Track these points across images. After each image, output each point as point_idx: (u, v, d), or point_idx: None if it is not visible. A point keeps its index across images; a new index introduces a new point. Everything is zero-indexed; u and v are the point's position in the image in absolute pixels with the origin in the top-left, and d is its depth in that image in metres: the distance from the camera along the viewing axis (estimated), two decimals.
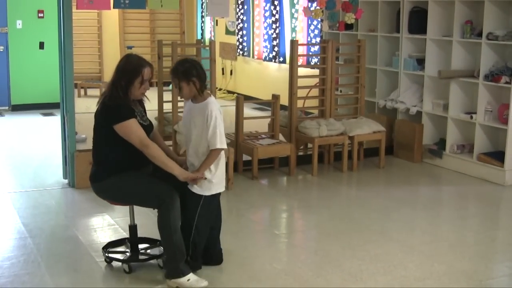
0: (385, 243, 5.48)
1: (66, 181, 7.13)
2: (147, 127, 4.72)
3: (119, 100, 4.53)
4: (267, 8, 12.40)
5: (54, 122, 10.04)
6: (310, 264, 5.01)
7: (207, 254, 4.85)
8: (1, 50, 11.76)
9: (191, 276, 4.51)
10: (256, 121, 8.42)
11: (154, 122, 7.39)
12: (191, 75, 4.57)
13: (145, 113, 4.84)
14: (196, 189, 4.62)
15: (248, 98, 10.36)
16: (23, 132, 10.11)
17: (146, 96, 4.81)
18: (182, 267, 4.51)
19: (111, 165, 4.64)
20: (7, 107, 11.95)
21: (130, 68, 4.59)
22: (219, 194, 4.78)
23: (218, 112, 4.60)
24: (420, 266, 4.98)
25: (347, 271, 4.85)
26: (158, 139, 4.95)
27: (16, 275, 4.73)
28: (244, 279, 4.70)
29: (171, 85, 7.26)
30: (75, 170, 6.82)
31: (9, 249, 5.27)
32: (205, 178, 4.59)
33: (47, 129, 10.14)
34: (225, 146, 4.61)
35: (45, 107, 11.68)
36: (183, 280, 4.49)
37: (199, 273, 4.67)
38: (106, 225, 5.85)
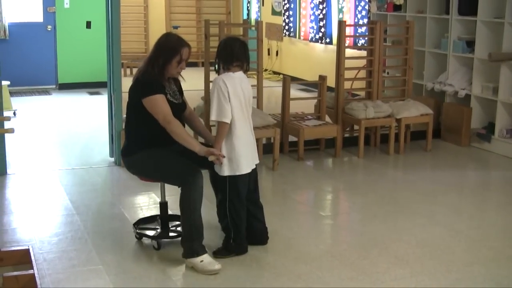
0: (432, 227, 5.41)
1: (112, 159, 7.18)
2: (179, 106, 4.77)
3: (151, 76, 4.61)
4: None
5: (100, 101, 10.14)
6: (356, 246, 4.98)
7: (252, 233, 4.83)
8: (49, 29, 11.88)
9: (205, 257, 4.49)
10: (302, 102, 8.38)
11: (201, 102, 7.43)
12: (217, 54, 4.66)
13: (181, 92, 4.88)
14: (217, 169, 4.63)
15: (293, 79, 10.30)
16: (70, 111, 10.22)
17: (181, 76, 4.87)
18: (196, 247, 4.51)
19: (140, 140, 4.70)
20: (54, 86, 12.10)
21: (170, 46, 4.65)
22: (246, 175, 4.70)
23: (222, 85, 4.52)
24: (467, 251, 4.92)
25: (393, 254, 4.80)
26: (194, 118, 5.04)
27: (64, 251, 4.79)
28: (289, 259, 4.69)
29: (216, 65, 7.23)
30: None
31: (57, 226, 5.33)
32: (224, 156, 4.55)
33: (93, 108, 10.24)
34: (220, 119, 4.50)
35: (91, 86, 11.80)
36: (197, 260, 4.48)
37: (244, 256, 4.69)
38: (152, 203, 5.88)
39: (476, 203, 6.18)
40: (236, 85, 4.58)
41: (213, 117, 4.53)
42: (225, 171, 4.60)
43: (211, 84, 7.29)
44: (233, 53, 4.62)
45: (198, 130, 5.09)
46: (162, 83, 4.64)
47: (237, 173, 4.63)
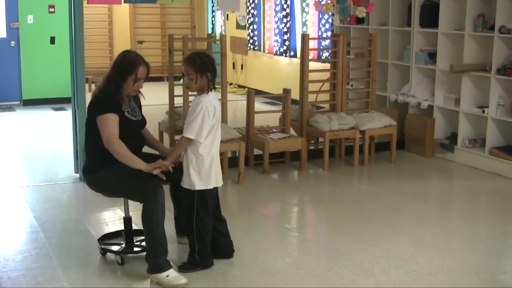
0: (396, 237, 5.46)
1: (77, 175, 7.14)
2: (138, 123, 4.80)
3: (108, 94, 4.61)
4: (278, 2, 12.38)
5: (65, 117, 10.06)
6: (321, 258, 5.00)
7: (217, 247, 4.84)
8: (13, 45, 11.79)
9: (170, 272, 4.49)
10: (267, 115, 8.41)
11: (165, 116, 7.43)
12: (207, 69, 4.59)
13: (140, 109, 4.90)
14: (185, 184, 4.63)
15: (258, 92, 10.34)
16: (34, 127, 10.14)
17: (141, 93, 4.87)
18: (161, 263, 4.51)
19: (101, 158, 4.67)
20: (18, 102, 11.98)
21: (125, 65, 4.65)
22: (215, 189, 4.75)
23: (210, 107, 4.55)
24: (431, 260, 4.96)
25: (358, 265, 4.84)
26: (147, 133, 5.04)
27: (29, 268, 4.75)
28: (255, 273, 4.70)
29: (182, 80, 7.24)
30: None
31: (21, 243, 5.29)
32: (173, 167, 4.57)
33: (58, 124, 10.17)
34: (198, 140, 4.52)
35: (56, 102, 11.72)
36: (162, 275, 4.47)
37: (210, 270, 4.69)
38: (117, 218, 5.85)
39: (440, 213, 6.24)
40: (216, 106, 4.65)
41: (192, 136, 4.51)
42: (196, 185, 4.60)
43: (177, 99, 7.38)
44: (216, 69, 4.69)
45: (151, 144, 5.09)
46: (119, 101, 4.65)
47: (208, 187, 4.64)
